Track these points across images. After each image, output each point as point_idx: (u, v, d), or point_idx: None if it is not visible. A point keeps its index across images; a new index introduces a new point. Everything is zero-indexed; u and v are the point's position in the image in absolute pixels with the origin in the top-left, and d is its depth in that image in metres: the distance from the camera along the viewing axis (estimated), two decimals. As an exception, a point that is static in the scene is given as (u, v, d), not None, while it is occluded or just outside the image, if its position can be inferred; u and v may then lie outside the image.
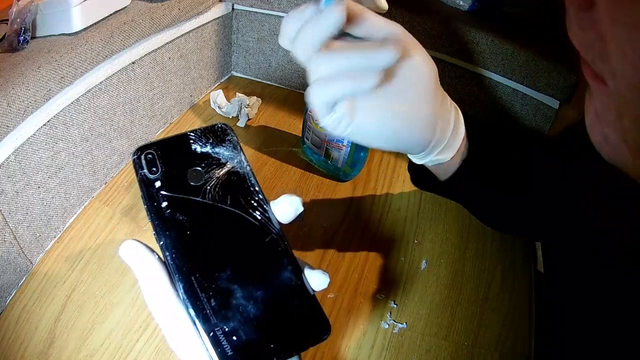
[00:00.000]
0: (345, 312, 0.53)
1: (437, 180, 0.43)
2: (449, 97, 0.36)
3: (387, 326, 0.52)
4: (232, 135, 0.30)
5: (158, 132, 0.74)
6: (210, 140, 0.30)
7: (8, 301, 0.51)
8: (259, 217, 0.29)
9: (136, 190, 0.64)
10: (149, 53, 0.65)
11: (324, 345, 0.50)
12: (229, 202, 0.28)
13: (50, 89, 0.50)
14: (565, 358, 0.42)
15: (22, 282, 0.53)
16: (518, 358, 0.51)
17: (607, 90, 0.20)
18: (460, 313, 0.54)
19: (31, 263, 0.54)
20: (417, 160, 0.40)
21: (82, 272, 0.54)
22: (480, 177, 0.41)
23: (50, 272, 0.54)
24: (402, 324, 0.53)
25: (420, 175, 0.44)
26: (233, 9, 0.81)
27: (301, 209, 0.29)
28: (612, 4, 0.18)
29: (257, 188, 0.29)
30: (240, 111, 0.77)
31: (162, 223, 0.27)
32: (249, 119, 0.77)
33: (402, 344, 0.51)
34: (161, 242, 0.26)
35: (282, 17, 0.78)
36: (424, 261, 0.59)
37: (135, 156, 0.28)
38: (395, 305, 0.54)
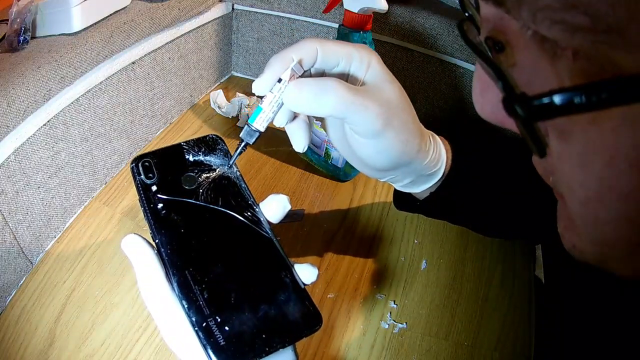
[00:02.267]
0: (345, 312, 0.53)
1: (418, 200, 0.45)
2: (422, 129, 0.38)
3: (387, 326, 0.52)
4: (222, 145, 0.33)
5: (158, 132, 0.74)
6: (203, 150, 0.32)
7: (8, 301, 0.51)
8: (249, 217, 0.30)
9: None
10: (149, 53, 0.65)
11: (323, 345, 0.50)
12: (220, 203, 0.30)
13: (50, 89, 0.50)
14: (565, 358, 0.42)
15: (22, 282, 0.53)
16: (518, 358, 0.51)
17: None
18: (460, 313, 0.54)
19: (31, 263, 0.54)
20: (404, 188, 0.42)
21: (82, 272, 0.54)
22: (465, 188, 0.42)
23: (50, 272, 0.54)
24: (402, 324, 0.53)
25: (403, 196, 0.46)
26: (233, 9, 0.81)
27: (289, 207, 0.30)
28: (557, 140, 0.18)
29: (247, 191, 0.31)
30: (240, 111, 0.77)
31: (157, 222, 0.28)
32: (249, 119, 0.77)
33: (402, 344, 0.51)
34: (157, 240, 0.28)
35: (282, 17, 0.78)
36: (424, 261, 0.59)
37: (133, 164, 0.30)
38: (395, 305, 0.54)
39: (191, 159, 0.31)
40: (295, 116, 0.33)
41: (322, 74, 0.33)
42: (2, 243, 0.49)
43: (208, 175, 0.31)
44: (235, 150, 0.32)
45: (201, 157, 0.32)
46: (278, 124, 0.32)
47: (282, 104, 0.31)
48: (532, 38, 0.17)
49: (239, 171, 0.32)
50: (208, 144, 0.32)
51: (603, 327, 0.37)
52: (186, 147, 0.32)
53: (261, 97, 0.31)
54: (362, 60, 0.32)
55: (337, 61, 0.32)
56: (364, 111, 0.30)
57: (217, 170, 0.31)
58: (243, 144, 0.32)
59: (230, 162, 0.32)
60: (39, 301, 0.51)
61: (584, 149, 0.17)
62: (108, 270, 0.54)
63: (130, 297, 0.52)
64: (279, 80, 0.30)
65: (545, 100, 0.15)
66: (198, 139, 0.32)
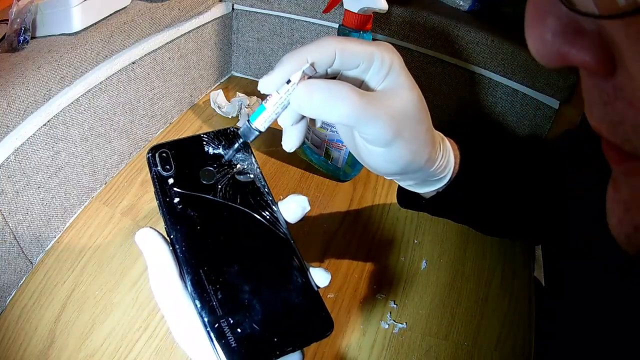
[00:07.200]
0: (345, 312, 0.53)
1: (423, 199, 0.44)
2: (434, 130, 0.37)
3: (387, 326, 0.52)
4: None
5: (158, 132, 0.74)
6: (222, 143, 0.31)
7: (8, 301, 0.51)
8: (268, 217, 0.30)
9: (136, 190, 0.64)
10: (149, 53, 0.65)
11: (324, 344, 0.50)
12: (238, 201, 0.29)
13: (50, 89, 0.50)
14: (565, 358, 0.42)
15: (22, 282, 0.53)
16: (518, 358, 0.51)
17: None
18: (460, 313, 0.54)
19: (31, 263, 0.54)
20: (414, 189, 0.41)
21: (82, 272, 0.54)
22: (473, 190, 0.42)
23: (50, 272, 0.54)
24: (402, 324, 0.53)
25: (407, 194, 0.45)
26: (233, 9, 0.81)
27: (308, 208, 0.30)
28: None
29: (266, 189, 0.31)
30: (240, 111, 0.77)
31: (173, 218, 0.28)
32: (249, 119, 0.77)
33: (402, 344, 0.51)
34: (172, 236, 0.27)
35: (282, 17, 0.78)
36: (424, 261, 0.59)
37: (150, 154, 0.29)
38: (395, 305, 0.54)
39: (211, 152, 0.30)
40: (301, 118, 0.32)
41: (338, 73, 0.32)
42: (2, 243, 0.49)
43: (227, 170, 0.30)
44: (232, 146, 0.31)
45: (221, 151, 0.30)
46: (283, 123, 0.31)
47: (288, 105, 0.30)
48: None
49: (259, 168, 0.31)
50: (228, 137, 0.31)
51: (603, 327, 0.37)
52: (206, 139, 0.30)
53: (265, 95, 0.30)
54: (384, 64, 0.30)
55: (356, 64, 0.30)
56: (374, 122, 0.29)
57: (238, 165, 0.30)
58: (240, 141, 0.31)
59: (226, 158, 0.31)
60: (39, 301, 0.51)
61: None
62: (108, 270, 0.54)
63: (130, 297, 0.52)
64: (288, 81, 0.29)
65: None
66: (218, 131, 0.31)
